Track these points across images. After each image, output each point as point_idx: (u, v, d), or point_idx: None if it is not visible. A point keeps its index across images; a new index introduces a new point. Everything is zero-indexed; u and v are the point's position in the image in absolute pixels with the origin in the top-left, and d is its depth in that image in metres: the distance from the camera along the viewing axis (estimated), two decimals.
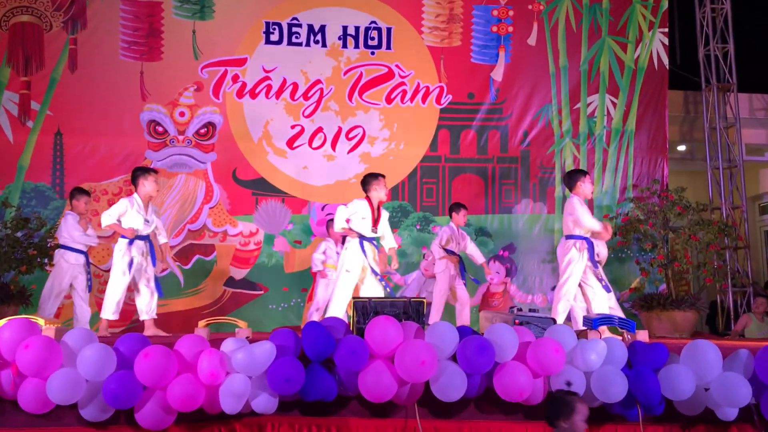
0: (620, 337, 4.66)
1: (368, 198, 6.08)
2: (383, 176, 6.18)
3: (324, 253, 7.44)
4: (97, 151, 8.09)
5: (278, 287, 8.08)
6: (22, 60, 8.09)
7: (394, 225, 7.93)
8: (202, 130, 8.27)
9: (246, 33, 8.42)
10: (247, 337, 4.38)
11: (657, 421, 4.29)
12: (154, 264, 6.00)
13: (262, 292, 8.05)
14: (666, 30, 8.86)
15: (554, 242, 8.41)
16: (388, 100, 8.53)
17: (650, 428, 4.28)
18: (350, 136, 8.44)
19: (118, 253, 5.85)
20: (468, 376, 4.10)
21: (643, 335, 4.61)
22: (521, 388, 4.05)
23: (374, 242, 6.09)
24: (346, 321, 4.90)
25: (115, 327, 6.77)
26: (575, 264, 5.81)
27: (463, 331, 4.28)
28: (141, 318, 6.05)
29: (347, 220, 6.03)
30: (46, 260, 7.11)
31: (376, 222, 6.06)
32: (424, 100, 8.56)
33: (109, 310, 5.85)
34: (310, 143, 8.38)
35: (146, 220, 5.94)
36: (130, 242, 5.83)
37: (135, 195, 5.97)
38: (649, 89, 8.76)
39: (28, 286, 7.21)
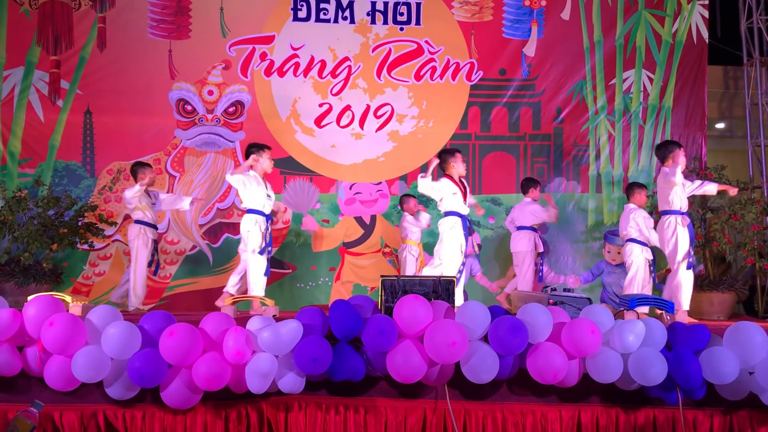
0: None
1: (449, 176, 6.08)
2: (459, 151, 6.26)
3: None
4: (127, 130, 8.07)
5: (306, 266, 8.03)
6: (51, 39, 8.08)
7: (423, 204, 7.81)
8: (231, 109, 8.21)
9: (273, 10, 8.31)
10: (273, 316, 4.33)
11: (697, 406, 4.15)
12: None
13: (290, 270, 8.01)
14: (706, 2, 8.52)
15: (588, 222, 8.25)
16: (418, 77, 8.36)
17: (690, 413, 4.14)
18: (379, 114, 8.31)
19: (253, 226, 6.01)
20: (500, 357, 3.99)
21: (682, 316, 4.45)
22: (556, 370, 3.93)
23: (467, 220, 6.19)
24: None
25: (144, 305, 6.80)
26: (686, 237, 5.75)
27: (495, 311, 4.16)
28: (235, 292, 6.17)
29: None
30: (76, 239, 7.16)
31: (465, 197, 6.14)
32: (454, 76, 8.38)
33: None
34: (338, 121, 8.27)
35: (267, 195, 6.13)
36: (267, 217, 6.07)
37: (250, 171, 6.09)
38: (688, 64, 8.46)
39: (59, 264, 7.27)
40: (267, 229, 6.07)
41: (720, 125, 9.65)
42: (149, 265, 6.62)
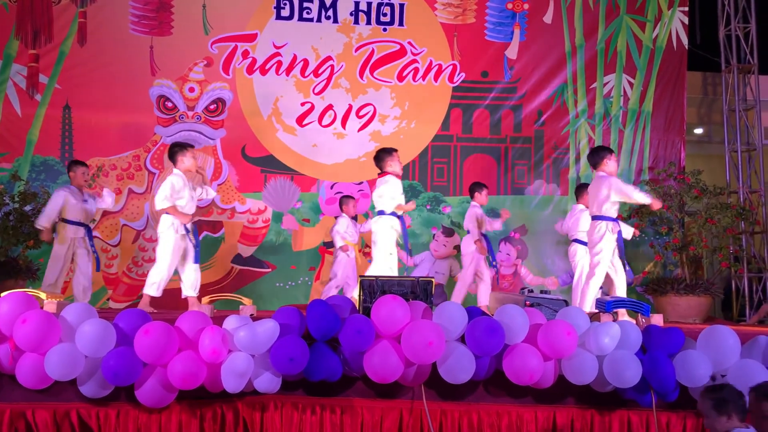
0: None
1: (392, 173, 6.01)
2: (396, 150, 6.16)
3: (345, 229, 7.35)
4: (106, 126, 8.01)
5: (286, 265, 8.01)
6: (30, 33, 7.99)
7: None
8: (212, 106, 8.17)
9: (257, 8, 8.28)
10: (251, 315, 4.31)
11: (671, 408, 4.19)
12: (197, 241, 5.89)
13: (269, 270, 7.98)
14: (686, 9, 8.62)
15: None
16: (400, 78, 8.37)
17: (664, 415, 4.19)
18: (361, 114, 8.30)
19: (166, 229, 5.68)
20: (476, 357, 4.01)
21: (657, 319, 4.49)
22: (531, 371, 3.95)
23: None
24: None
25: (121, 302, 6.75)
26: (609, 246, 5.54)
27: (473, 312, 4.18)
28: (185, 294, 5.85)
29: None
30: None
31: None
32: (436, 78, 8.40)
33: (153, 287, 5.69)
34: (320, 121, 8.26)
35: (191, 197, 5.84)
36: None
37: (178, 170, 5.80)
38: (668, 70, 8.55)
39: (35, 261, 7.18)
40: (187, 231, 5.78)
41: (698, 130, 9.76)
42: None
